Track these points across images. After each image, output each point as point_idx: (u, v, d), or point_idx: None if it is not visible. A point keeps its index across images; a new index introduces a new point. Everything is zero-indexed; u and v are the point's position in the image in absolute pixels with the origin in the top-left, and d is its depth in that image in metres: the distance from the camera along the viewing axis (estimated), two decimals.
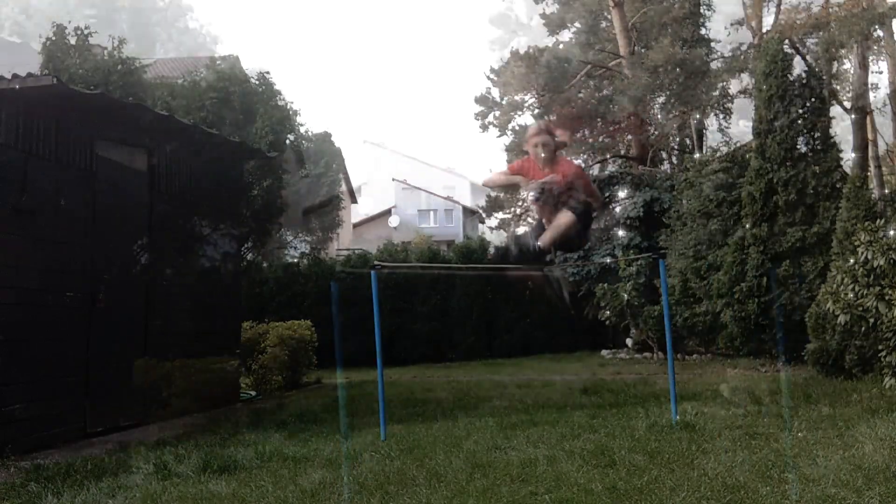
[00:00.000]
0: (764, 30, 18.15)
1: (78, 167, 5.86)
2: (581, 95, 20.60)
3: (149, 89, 10.31)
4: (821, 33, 17.05)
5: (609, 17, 20.30)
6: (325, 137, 12.83)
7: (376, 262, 6.98)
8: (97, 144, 6.07)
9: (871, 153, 18.30)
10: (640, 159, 18.81)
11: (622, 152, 21.11)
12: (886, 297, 6.10)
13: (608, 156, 21.42)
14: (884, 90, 20.56)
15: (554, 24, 22.03)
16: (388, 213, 37.31)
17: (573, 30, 22.02)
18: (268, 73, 11.26)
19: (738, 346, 10.63)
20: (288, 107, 11.35)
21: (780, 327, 9.77)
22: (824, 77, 12.96)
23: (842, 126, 21.44)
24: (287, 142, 11.15)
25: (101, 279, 6.03)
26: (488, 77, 21.37)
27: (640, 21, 19.34)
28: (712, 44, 19.51)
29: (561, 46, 21.17)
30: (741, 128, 26.77)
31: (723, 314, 10.61)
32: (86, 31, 10.05)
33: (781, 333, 9.77)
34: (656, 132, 18.95)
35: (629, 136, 20.17)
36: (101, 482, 3.98)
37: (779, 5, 18.77)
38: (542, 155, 4.51)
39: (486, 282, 14.19)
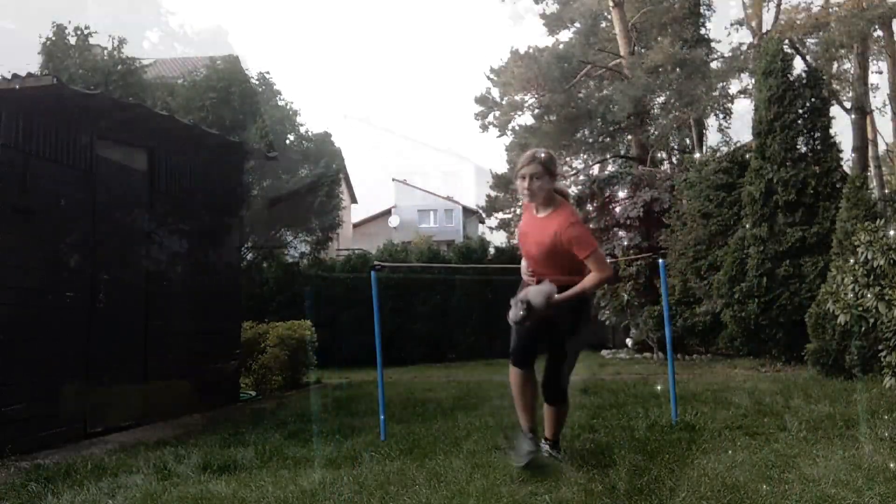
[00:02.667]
0: (764, 30, 18.16)
1: (78, 167, 5.86)
2: (581, 95, 20.60)
3: (149, 89, 10.33)
4: (821, 33, 17.06)
5: (609, 17, 20.30)
6: (325, 137, 12.86)
7: (376, 263, 6.99)
8: (97, 144, 6.07)
9: (871, 153, 18.32)
10: (640, 159, 18.82)
11: (622, 152, 21.11)
12: (886, 297, 6.09)
13: (608, 156, 21.43)
14: (884, 90, 20.57)
15: (554, 24, 22.03)
16: (388, 213, 37.32)
17: (573, 30, 22.03)
18: (268, 73, 11.29)
19: (738, 346, 10.63)
20: (288, 107, 11.36)
21: (780, 327, 9.77)
22: (824, 77, 12.94)
23: (842, 126, 21.46)
24: (287, 142, 11.16)
25: (101, 279, 6.03)
26: (488, 77, 21.40)
27: (640, 21, 19.34)
28: (712, 44, 19.52)
29: (561, 46, 21.17)
30: (741, 126, 26.78)
31: (723, 314, 10.61)
32: (86, 31, 10.06)
33: (781, 333, 9.77)
34: (656, 132, 18.96)
35: (629, 136, 20.17)
36: (101, 482, 3.98)
37: (779, 5, 18.78)
38: (527, 191, 3.73)
39: (486, 282, 14.19)
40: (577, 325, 3.90)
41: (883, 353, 6.20)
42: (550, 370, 3.91)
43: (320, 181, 11.29)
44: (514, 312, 3.58)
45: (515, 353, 3.91)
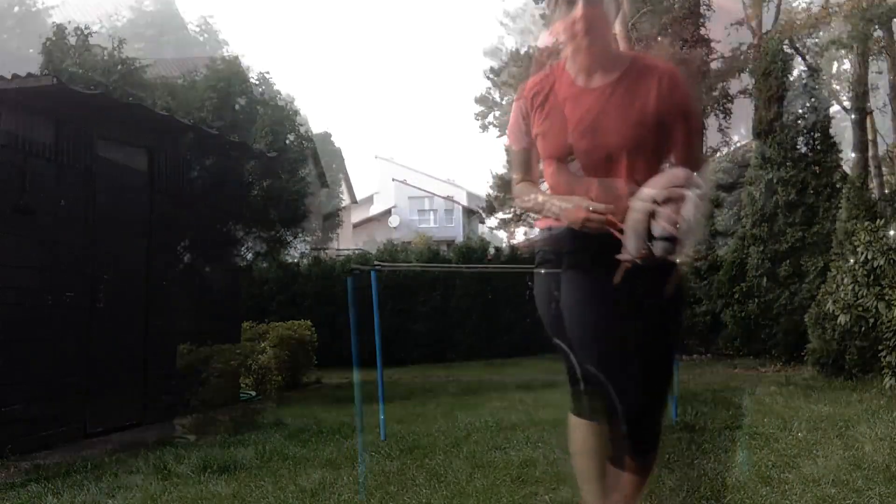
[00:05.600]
0: (764, 30, 18.16)
1: (78, 167, 5.86)
2: None
3: (149, 89, 10.32)
4: (821, 33, 17.07)
5: None
6: (325, 137, 12.86)
7: (376, 263, 6.99)
8: (97, 144, 6.07)
9: (871, 153, 18.31)
10: None
11: None
12: (886, 297, 6.10)
13: None
14: (884, 90, 20.55)
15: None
16: (388, 213, 37.31)
17: None
18: (268, 73, 11.29)
19: (738, 346, 10.64)
20: (288, 107, 11.36)
21: (780, 327, 9.77)
22: (824, 77, 12.96)
23: (842, 126, 21.44)
24: (287, 142, 11.16)
25: (101, 279, 6.03)
26: (488, 77, 21.42)
27: (640, 21, 19.32)
28: (712, 44, 19.52)
29: (561, 46, 21.15)
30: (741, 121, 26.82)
31: (723, 314, 10.61)
32: (86, 31, 10.06)
33: (781, 333, 9.78)
34: None
35: None
36: (101, 482, 3.98)
37: (779, 5, 18.78)
38: (583, 31, 1.97)
39: (486, 282, 14.19)
40: (680, 302, 2.21)
41: (883, 353, 6.21)
42: (639, 394, 2.04)
43: (320, 181, 11.28)
44: (661, 245, 1.82)
45: (592, 397, 2.11)
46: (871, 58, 18.44)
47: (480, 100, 21.69)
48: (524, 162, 2.20)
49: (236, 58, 11.46)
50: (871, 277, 6.31)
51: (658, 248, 1.84)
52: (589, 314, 2.02)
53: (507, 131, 2.42)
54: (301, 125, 11.68)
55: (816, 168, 9.97)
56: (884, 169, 19.76)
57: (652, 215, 1.84)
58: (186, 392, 6.87)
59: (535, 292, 2.17)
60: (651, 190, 1.86)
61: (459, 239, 26.57)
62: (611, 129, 1.99)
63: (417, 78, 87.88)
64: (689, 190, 1.85)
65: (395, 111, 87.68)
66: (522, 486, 3.53)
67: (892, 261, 6.16)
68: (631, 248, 1.88)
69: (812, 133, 10.16)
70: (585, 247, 1.98)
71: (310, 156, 20.63)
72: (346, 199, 28.87)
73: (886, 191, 16.99)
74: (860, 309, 6.32)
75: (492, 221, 25.06)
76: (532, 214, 2.34)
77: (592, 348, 2.04)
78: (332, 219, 16.76)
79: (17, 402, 5.10)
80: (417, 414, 6.21)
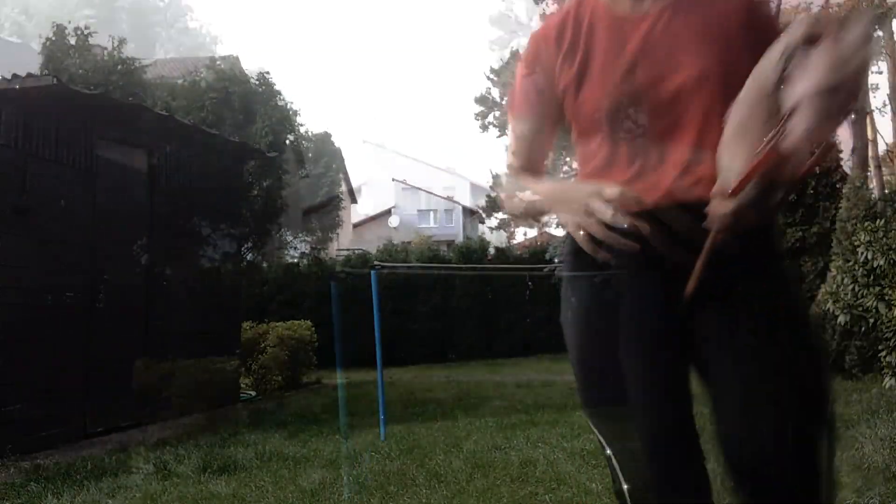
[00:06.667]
0: None
1: (78, 167, 5.86)
2: None
3: (149, 89, 10.32)
4: None
5: None
6: (325, 137, 12.88)
7: (376, 263, 7.00)
8: (97, 144, 6.08)
9: (871, 153, 18.32)
10: None
11: None
12: (886, 297, 6.09)
13: None
14: (884, 90, 20.56)
15: None
16: (388, 213, 37.30)
17: None
18: (268, 73, 11.29)
19: None
20: (288, 107, 11.36)
21: None
22: None
23: (842, 126, 21.41)
24: (287, 142, 11.16)
25: (101, 279, 6.03)
26: (488, 77, 21.38)
27: None
28: None
29: None
30: None
31: None
32: (86, 31, 10.07)
33: None
34: None
35: None
36: (101, 482, 3.98)
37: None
38: None
39: (486, 282, 14.18)
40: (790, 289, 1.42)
41: (883, 353, 6.20)
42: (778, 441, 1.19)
43: (320, 181, 11.30)
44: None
45: (660, 474, 1.29)
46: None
47: (480, 100, 21.64)
48: (531, 139, 1.48)
49: (237, 58, 11.46)
50: (871, 277, 6.31)
51: (803, 118, 0.98)
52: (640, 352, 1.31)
53: (508, 97, 1.67)
54: (301, 125, 11.68)
55: (816, 168, 9.97)
56: (884, 169, 19.78)
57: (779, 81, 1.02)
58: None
59: (568, 323, 1.49)
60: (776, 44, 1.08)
61: (459, 239, 26.56)
62: (683, 49, 1.28)
63: (419, 72, 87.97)
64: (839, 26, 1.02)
65: (394, 109, 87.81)
66: (522, 486, 3.53)
67: (892, 261, 6.16)
68: (729, 178, 1.07)
69: None
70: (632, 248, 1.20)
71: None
72: (346, 200, 28.90)
73: (886, 191, 17.00)
74: (860, 309, 6.32)
75: (492, 221, 25.04)
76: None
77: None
78: (333, 219, 16.78)
79: (17, 402, 5.10)
80: (417, 414, 6.21)
